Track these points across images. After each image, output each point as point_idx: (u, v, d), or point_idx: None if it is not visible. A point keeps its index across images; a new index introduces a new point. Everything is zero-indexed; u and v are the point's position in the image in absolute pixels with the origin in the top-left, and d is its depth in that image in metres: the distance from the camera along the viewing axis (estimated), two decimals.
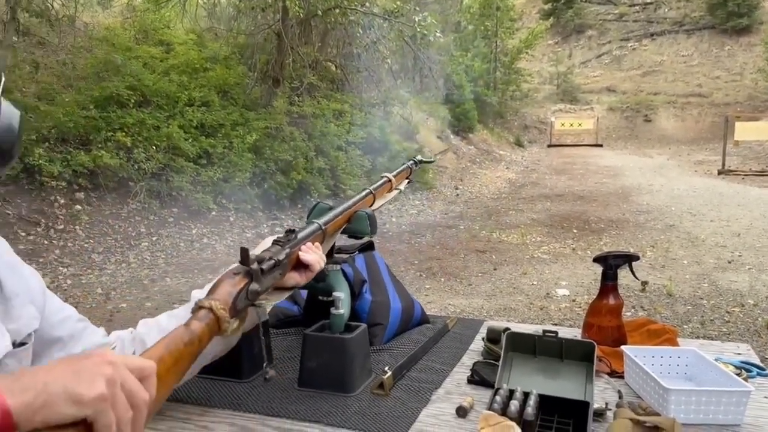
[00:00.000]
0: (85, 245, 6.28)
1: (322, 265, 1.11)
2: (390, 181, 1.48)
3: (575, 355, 1.11)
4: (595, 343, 1.10)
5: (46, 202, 6.46)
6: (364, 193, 1.36)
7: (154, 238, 6.85)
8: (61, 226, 6.35)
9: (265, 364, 0.99)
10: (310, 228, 1.13)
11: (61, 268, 5.74)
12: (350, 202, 1.29)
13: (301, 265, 1.08)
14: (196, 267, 6.21)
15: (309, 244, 1.10)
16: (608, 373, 1.25)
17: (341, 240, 1.36)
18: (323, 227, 1.16)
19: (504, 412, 0.95)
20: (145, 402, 0.64)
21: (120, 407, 0.61)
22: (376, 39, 11.19)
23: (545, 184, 13.95)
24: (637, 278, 1.43)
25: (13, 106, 0.79)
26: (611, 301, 1.37)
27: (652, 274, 6.17)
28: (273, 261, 0.97)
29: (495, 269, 6.93)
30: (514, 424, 0.85)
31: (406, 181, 1.62)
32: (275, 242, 1.04)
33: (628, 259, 1.37)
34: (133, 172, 7.19)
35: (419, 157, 1.74)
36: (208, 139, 8.15)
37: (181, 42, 10.11)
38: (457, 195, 12.82)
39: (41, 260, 5.75)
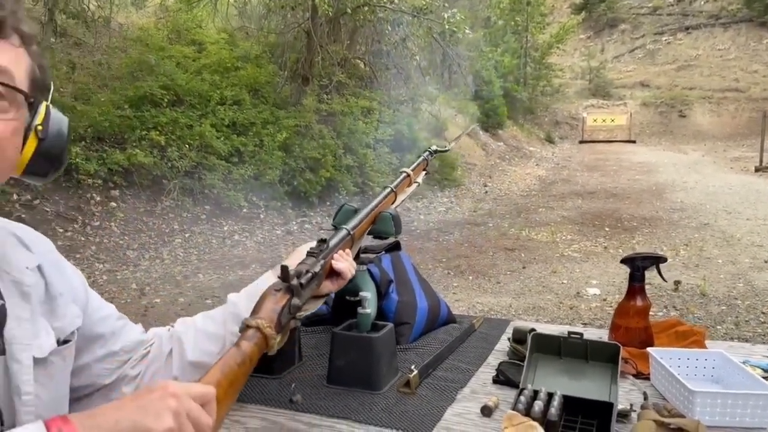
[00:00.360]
0: (120, 242, 6.45)
1: (353, 272, 1.14)
2: (409, 175, 1.50)
3: (600, 356, 1.12)
4: (620, 345, 1.11)
5: (83, 200, 6.64)
6: (386, 192, 1.38)
7: (186, 235, 6.99)
8: (97, 223, 6.53)
9: (293, 386, 1.03)
10: (339, 235, 1.15)
11: (97, 264, 5.91)
12: (374, 203, 1.32)
13: (333, 273, 1.10)
14: (228, 263, 6.32)
15: (341, 252, 1.13)
16: (634, 375, 1.25)
17: (367, 240, 1.38)
18: (351, 233, 1.19)
19: (528, 412, 0.97)
20: (209, 427, 0.69)
21: None
22: (404, 36, 11.20)
23: (576, 181, 13.78)
24: (665, 280, 1.42)
25: (60, 113, 0.83)
26: (638, 302, 1.37)
27: (685, 274, 6.07)
28: (310, 274, 1.00)
29: (524, 267, 6.89)
30: (537, 424, 0.86)
31: (424, 173, 1.63)
32: (309, 253, 1.07)
33: (656, 260, 1.36)
34: (167, 170, 7.34)
35: (434, 147, 1.75)
36: (239, 137, 8.28)
37: (213, 41, 10.27)
38: (486, 192, 12.75)
39: (78, 256, 5.93)
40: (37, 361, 0.79)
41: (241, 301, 1.06)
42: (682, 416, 1.02)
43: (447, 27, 10.95)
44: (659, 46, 29.44)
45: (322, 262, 1.06)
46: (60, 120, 0.82)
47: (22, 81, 0.74)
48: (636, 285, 1.38)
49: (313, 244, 1.12)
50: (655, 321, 1.44)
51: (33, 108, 0.77)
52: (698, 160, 17.03)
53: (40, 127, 0.77)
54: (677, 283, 5.58)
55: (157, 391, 0.68)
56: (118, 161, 6.93)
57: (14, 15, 0.73)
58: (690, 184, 12.54)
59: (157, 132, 7.46)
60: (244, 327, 0.89)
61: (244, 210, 7.82)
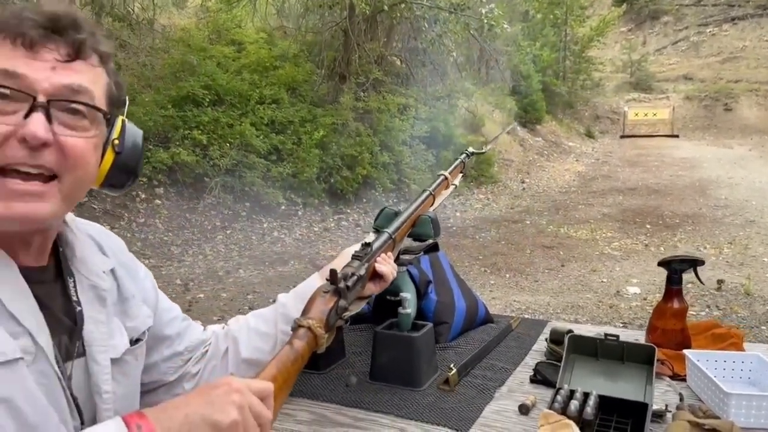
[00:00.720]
0: (165, 238, 6.66)
1: (395, 275, 1.19)
2: (447, 178, 1.54)
3: (636, 357, 1.15)
4: (655, 347, 1.13)
5: (129, 197, 6.87)
6: (424, 196, 1.43)
7: (228, 232, 7.17)
8: (143, 220, 6.75)
9: (348, 372, 1.09)
10: (382, 239, 1.21)
11: (143, 260, 6.06)
12: (413, 207, 1.36)
13: (376, 275, 1.16)
14: (267, 260, 6.46)
15: (383, 255, 1.18)
16: (670, 376, 1.27)
17: (407, 242, 1.43)
18: (393, 236, 1.24)
19: (564, 411, 1.01)
20: (269, 420, 0.76)
21: (250, 428, 0.73)
22: (441, 32, 11.18)
23: (617, 177, 13.53)
24: (702, 283, 1.43)
25: (135, 126, 0.89)
26: (675, 304, 1.39)
27: (729, 273, 5.94)
28: (356, 277, 1.06)
29: (562, 266, 6.84)
30: (572, 422, 0.90)
31: (461, 175, 1.67)
32: (354, 257, 1.13)
33: (693, 263, 1.38)
34: (209, 169, 7.53)
35: (471, 149, 1.78)
36: (277, 135, 8.43)
37: (252, 41, 10.44)
38: (524, 189, 12.65)
39: None
40: (114, 361, 0.86)
41: (290, 302, 1.12)
42: (717, 417, 1.05)
43: (485, 22, 10.89)
44: (703, 38, 28.57)
45: (366, 265, 1.12)
46: (135, 133, 0.88)
47: (100, 99, 0.80)
48: (673, 288, 1.39)
49: (358, 247, 1.18)
50: (693, 323, 1.46)
51: (110, 123, 0.83)
52: (744, 155, 16.50)
53: (116, 142, 0.83)
54: (720, 282, 5.47)
55: (222, 387, 0.75)
56: (162, 160, 7.14)
57: (93, 36, 0.79)
58: (735, 179, 12.19)
59: (199, 131, 7.66)
60: (296, 326, 0.96)
61: (283, 207, 7.97)
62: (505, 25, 12.37)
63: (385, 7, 10.20)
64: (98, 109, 0.78)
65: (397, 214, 1.36)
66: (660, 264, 1.41)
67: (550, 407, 1.03)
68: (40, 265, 0.82)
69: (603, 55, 24.94)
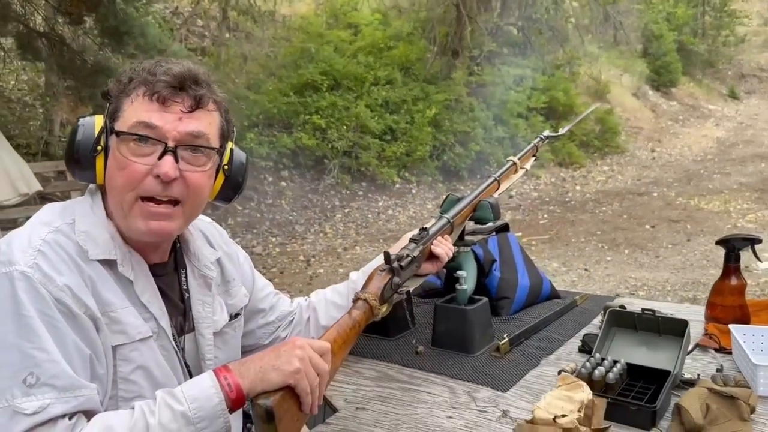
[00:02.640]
0: (290, 217, 7.20)
1: (450, 255, 1.36)
2: (515, 164, 1.64)
3: (672, 330, 1.22)
4: (687, 321, 1.20)
5: (258, 180, 7.49)
6: (488, 182, 1.55)
7: (346, 211, 7.59)
8: (270, 201, 7.34)
9: (414, 341, 1.28)
10: (439, 223, 1.37)
11: (270, 238, 6.68)
12: (475, 193, 1.50)
13: (433, 256, 1.33)
14: (382, 237, 6.77)
15: (439, 238, 1.35)
16: (716, 349, 1.32)
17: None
18: (451, 221, 1.39)
19: (590, 375, 1.12)
20: (326, 371, 0.99)
21: (311, 376, 0.96)
22: None
23: (761, 142, 12.36)
24: (760, 260, 1.44)
25: (240, 150, 1.11)
26: (733, 281, 1.42)
27: None
28: (409, 258, 1.24)
29: (688, 240, 6.49)
30: (584, 383, 1.02)
31: (533, 159, 1.75)
32: (411, 240, 1.31)
33: (751, 242, 1.40)
34: (328, 151, 7.98)
35: (547, 133, 1.85)
36: (391, 115, 8.69)
37: (367, 23, 10.71)
38: (653, 158, 11.93)
39: (255, 231, 6.75)
40: (215, 334, 1.13)
41: (359, 279, 1.33)
42: (748, 387, 1.10)
43: None
44: None
45: (421, 247, 1.29)
46: (240, 156, 1.11)
47: (214, 138, 1.02)
48: (731, 265, 1.42)
49: (416, 231, 1.35)
50: (755, 300, 1.47)
51: (221, 153, 1.06)
52: None
53: (226, 167, 1.07)
54: None
55: (289, 344, 0.98)
56: (286, 144, 7.68)
57: (209, 87, 1.01)
58: None
59: (318, 115, 8.12)
60: (356, 299, 1.17)
61: (397, 186, 8.25)
62: None
63: None
64: (213, 149, 1.01)
65: (460, 200, 1.51)
66: (718, 243, 1.44)
67: (578, 371, 1.15)
68: (163, 261, 1.08)
69: (748, 7, 22.43)
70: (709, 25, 20.33)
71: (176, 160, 0.96)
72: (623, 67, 15.57)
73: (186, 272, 1.11)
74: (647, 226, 7.14)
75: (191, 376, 1.03)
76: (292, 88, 8.45)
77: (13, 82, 7.30)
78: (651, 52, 16.26)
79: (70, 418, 0.83)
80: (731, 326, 1.27)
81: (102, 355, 0.92)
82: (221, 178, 1.07)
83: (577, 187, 9.58)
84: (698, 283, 5.11)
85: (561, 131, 2.05)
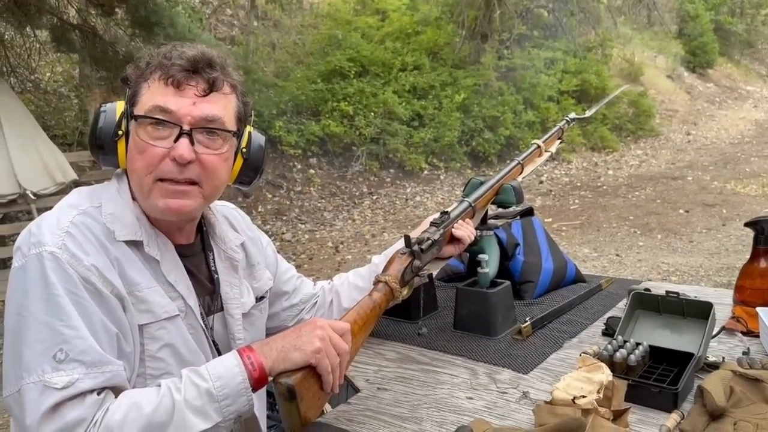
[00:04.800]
0: (318, 204, 7.25)
1: (472, 238, 1.36)
2: (539, 147, 1.63)
3: (696, 313, 1.20)
4: (712, 303, 1.18)
5: (286, 168, 7.56)
6: (512, 165, 1.55)
7: (374, 197, 7.60)
8: (299, 188, 7.40)
9: (420, 322, 1.30)
10: (461, 207, 1.37)
11: (300, 225, 6.74)
12: (498, 177, 1.50)
13: (455, 239, 1.33)
14: (410, 223, 6.78)
15: (461, 221, 1.35)
16: (744, 332, 1.30)
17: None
18: (473, 205, 1.39)
19: (611, 358, 1.12)
20: (346, 351, 1.01)
21: (332, 355, 0.99)
22: None
23: None
24: None
25: (258, 133, 1.13)
26: (762, 264, 1.39)
27: None
28: (430, 241, 1.25)
29: (723, 225, 6.35)
30: (604, 365, 1.01)
31: (558, 142, 1.73)
32: (432, 223, 1.31)
33: None
34: (355, 138, 8.00)
35: (572, 115, 1.83)
36: (419, 101, 8.65)
37: (395, 8, 10.65)
38: (689, 141, 11.64)
39: (284, 218, 6.82)
40: (243, 315, 1.15)
41: (381, 262, 1.34)
42: None
43: None
44: None
45: (441, 231, 1.30)
46: (258, 138, 1.12)
47: (230, 121, 1.03)
48: (760, 247, 1.39)
49: (437, 215, 1.36)
50: None
51: (239, 136, 1.07)
52: None
53: (244, 150, 1.09)
54: None
55: (309, 324, 1.00)
56: (314, 132, 7.72)
57: (224, 70, 1.03)
58: None
59: (346, 102, 8.13)
60: (376, 281, 1.18)
61: (425, 172, 8.23)
62: None
63: None
64: (229, 131, 1.03)
65: (482, 183, 1.50)
66: (747, 224, 1.41)
67: (599, 353, 1.14)
68: (189, 242, 1.11)
69: None
70: (748, 4, 19.62)
71: (192, 142, 0.97)
72: (657, 48, 15.20)
73: (213, 255, 1.13)
74: (681, 211, 7.00)
75: (220, 355, 1.06)
76: (319, 75, 8.47)
77: (48, 74, 7.49)
78: (686, 32, 15.82)
79: (98, 394, 0.87)
80: (759, 309, 1.25)
81: (129, 333, 0.95)
82: (240, 161, 1.09)
83: (610, 172, 9.42)
84: (733, 268, 4.99)
85: (587, 113, 2.02)
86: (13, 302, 0.90)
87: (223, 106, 1.01)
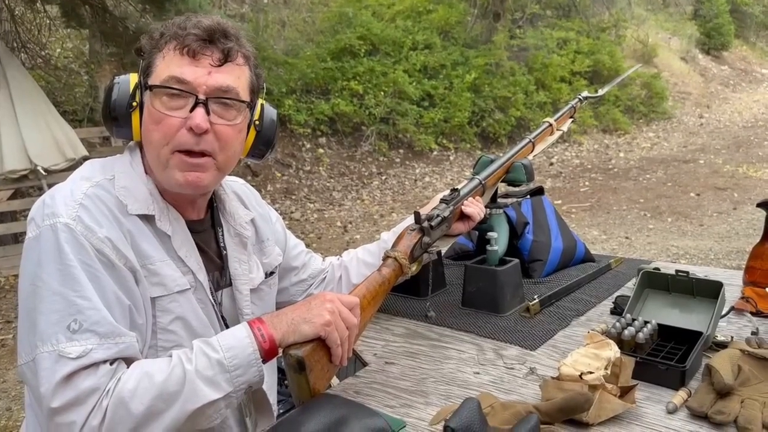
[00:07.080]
0: (327, 184, 7.25)
1: (482, 215, 1.36)
2: (551, 125, 1.62)
3: (705, 292, 1.20)
4: (722, 282, 1.18)
5: (296, 147, 7.55)
6: (523, 143, 1.54)
7: (383, 177, 7.59)
8: (308, 168, 7.40)
9: (428, 305, 1.31)
10: (471, 185, 1.37)
11: (308, 204, 6.75)
12: (509, 155, 1.49)
13: (464, 217, 1.33)
14: (419, 204, 6.77)
15: (470, 198, 1.35)
16: (753, 313, 1.30)
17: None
18: (483, 182, 1.39)
19: (619, 335, 1.12)
20: (355, 324, 1.03)
21: (341, 328, 1.00)
22: None
23: None
24: None
25: (270, 107, 1.13)
26: None
27: None
28: (440, 218, 1.25)
29: (734, 208, 6.30)
30: (612, 342, 1.02)
31: (570, 120, 1.72)
32: (442, 200, 1.31)
33: None
34: (365, 117, 7.96)
35: (585, 93, 1.81)
36: (430, 81, 8.58)
37: None
38: (701, 124, 11.51)
39: (293, 197, 6.83)
40: (252, 290, 1.16)
41: (390, 239, 1.35)
42: None
43: None
44: None
45: (451, 208, 1.30)
46: (271, 112, 1.12)
47: (244, 92, 1.03)
48: None
49: (447, 192, 1.35)
50: None
51: (252, 107, 1.07)
52: None
53: (257, 122, 1.09)
54: None
55: (319, 298, 1.01)
56: (324, 111, 7.68)
57: (238, 41, 1.02)
58: None
59: (356, 81, 8.07)
60: (385, 257, 1.19)
61: (435, 153, 8.19)
62: None
63: None
64: (242, 101, 1.03)
65: (492, 161, 1.50)
66: (759, 205, 1.40)
67: (608, 331, 1.15)
68: (200, 218, 1.11)
69: None
70: None
71: (207, 112, 0.97)
72: (672, 30, 14.99)
73: (222, 231, 1.14)
74: (692, 194, 6.95)
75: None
76: (329, 54, 8.41)
77: (59, 50, 7.48)
78: (702, 14, 15.58)
79: (111, 364, 0.88)
80: None
81: (141, 305, 0.96)
82: (252, 133, 1.09)
83: (621, 154, 9.35)
84: (743, 251, 4.96)
85: (600, 92, 2.00)
86: (28, 272, 0.91)
87: (237, 77, 1.01)
